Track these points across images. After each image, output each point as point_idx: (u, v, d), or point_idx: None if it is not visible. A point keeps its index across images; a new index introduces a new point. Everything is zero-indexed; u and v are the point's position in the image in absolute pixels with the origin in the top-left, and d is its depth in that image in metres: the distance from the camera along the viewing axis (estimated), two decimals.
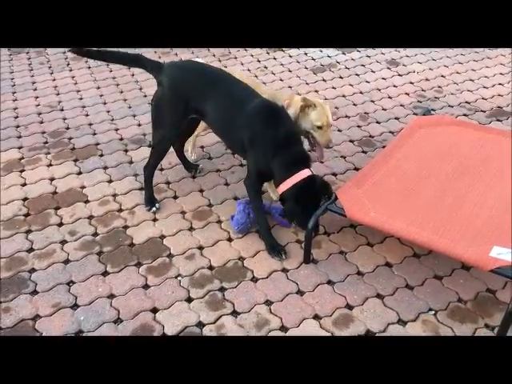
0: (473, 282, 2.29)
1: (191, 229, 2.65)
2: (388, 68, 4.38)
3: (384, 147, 3.19)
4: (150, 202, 2.78)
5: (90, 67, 4.48)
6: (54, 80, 4.27)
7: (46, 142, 3.40)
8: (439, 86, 4.05)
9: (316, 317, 2.15)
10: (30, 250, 2.51)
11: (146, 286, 2.32)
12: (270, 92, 2.74)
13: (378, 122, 3.58)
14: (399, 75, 4.25)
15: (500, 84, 4.06)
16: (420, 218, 2.22)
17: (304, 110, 2.56)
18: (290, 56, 4.61)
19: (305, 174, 2.32)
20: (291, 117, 2.52)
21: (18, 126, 3.58)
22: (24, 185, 2.98)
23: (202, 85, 2.49)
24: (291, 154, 2.34)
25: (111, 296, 2.27)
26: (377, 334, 2.06)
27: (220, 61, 4.52)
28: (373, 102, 3.85)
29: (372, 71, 4.32)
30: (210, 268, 2.42)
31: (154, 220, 2.71)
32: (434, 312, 2.16)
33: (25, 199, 2.86)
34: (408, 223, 2.18)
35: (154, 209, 2.76)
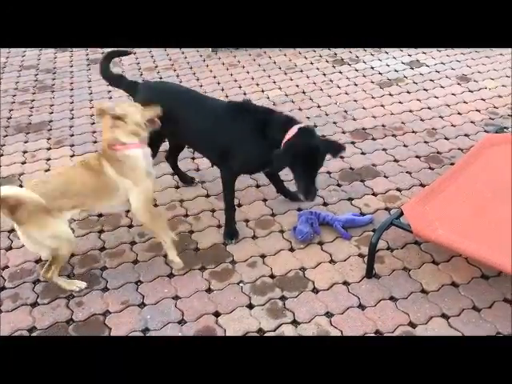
0: None
1: (254, 237, 2.70)
2: (458, 84, 4.27)
3: (452, 164, 3.12)
4: None
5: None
6: None
7: None
8: None
9: (377, 332, 2.13)
10: (102, 248, 2.66)
11: (209, 290, 2.38)
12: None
13: (446, 139, 3.49)
14: (470, 91, 4.13)
15: None
16: (491, 239, 2.15)
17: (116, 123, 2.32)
18: (356, 70, 4.60)
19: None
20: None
21: (94, 132, 3.80)
22: None
23: (172, 106, 2.52)
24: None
25: (176, 297, 2.35)
26: None
27: (286, 73, 4.59)
28: (441, 117, 3.76)
29: (441, 86, 4.23)
30: (272, 276, 2.45)
31: (218, 226, 2.78)
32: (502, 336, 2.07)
33: None
34: (479, 243, 2.12)
35: None
